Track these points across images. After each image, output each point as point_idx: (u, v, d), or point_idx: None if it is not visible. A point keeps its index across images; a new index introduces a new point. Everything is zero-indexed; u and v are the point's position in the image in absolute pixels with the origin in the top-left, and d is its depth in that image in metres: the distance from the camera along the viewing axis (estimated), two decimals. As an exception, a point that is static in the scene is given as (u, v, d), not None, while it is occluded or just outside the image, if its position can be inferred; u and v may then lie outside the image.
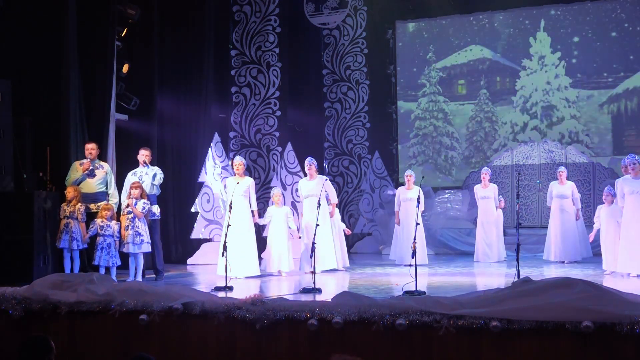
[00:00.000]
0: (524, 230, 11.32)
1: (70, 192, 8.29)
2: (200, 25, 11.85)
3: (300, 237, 9.61)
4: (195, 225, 11.49)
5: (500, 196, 11.98)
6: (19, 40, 9.03)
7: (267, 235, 9.84)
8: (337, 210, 10.18)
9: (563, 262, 10.80)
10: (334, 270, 9.76)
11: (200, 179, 11.60)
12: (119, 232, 8.42)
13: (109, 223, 8.34)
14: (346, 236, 14.92)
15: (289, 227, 9.63)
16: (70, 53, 9.17)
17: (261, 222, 9.55)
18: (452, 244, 13.18)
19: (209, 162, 11.74)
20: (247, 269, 9.13)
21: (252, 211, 9.38)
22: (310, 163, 10.00)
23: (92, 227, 8.32)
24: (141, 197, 8.57)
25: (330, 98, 15.31)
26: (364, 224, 14.49)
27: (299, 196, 10.40)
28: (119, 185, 9.14)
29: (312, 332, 5.41)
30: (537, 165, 14.10)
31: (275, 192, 9.72)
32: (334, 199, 10.02)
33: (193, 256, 11.43)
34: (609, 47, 14.57)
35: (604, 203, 9.62)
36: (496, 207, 11.63)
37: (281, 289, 8.13)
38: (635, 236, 8.60)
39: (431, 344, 5.19)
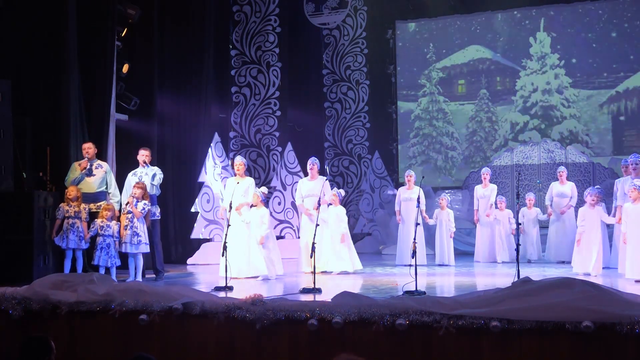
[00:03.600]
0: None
1: (72, 192, 8.28)
2: (200, 25, 11.85)
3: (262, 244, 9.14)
4: (195, 225, 11.49)
5: (493, 208, 11.52)
6: (19, 40, 9.03)
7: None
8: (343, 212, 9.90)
9: (563, 262, 10.80)
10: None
11: (200, 179, 11.59)
12: (119, 232, 8.42)
13: (109, 223, 8.34)
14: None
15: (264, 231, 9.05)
16: (70, 53, 9.17)
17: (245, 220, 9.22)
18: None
19: (209, 162, 11.74)
20: (248, 269, 9.12)
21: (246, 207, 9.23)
22: (313, 163, 9.99)
23: (93, 227, 8.32)
24: (142, 197, 8.56)
25: (330, 98, 15.31)
26: (364, 224, 14.48)
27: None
28: (119, 186, 9.13)
29: (312, 332, 5.41)
30: (537, 165, 14.10)
31: (263, 191, 9.32)
32: (329, 200, 9.96)
33: (193, 256, 11.43)
34: (609, 47, 14.58)
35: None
36: (487, 213, 11.52)
37: (281, 289, 8.13)
38: (635, 239, 8.57)
39: (431, 344, 5.19)
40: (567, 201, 11.04)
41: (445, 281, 8.99)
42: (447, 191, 14.46)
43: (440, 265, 10.93)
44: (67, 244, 8.15)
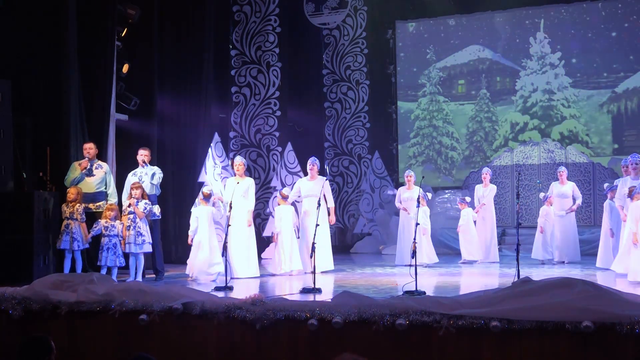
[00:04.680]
0: (524, 230, 11.29)
1: (72, 193, 8.28)
2: (200, 25, 11.84)
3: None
4: (195, 227, 11.44)
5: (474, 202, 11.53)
6: (19, 40, 9.03)
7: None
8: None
9: (563, 262, 10.80)
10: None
11: (200, 179, 11.58)
12: (122, 232, 8.42)
13: (113, 223, 8.33)
14: (345, 236, 15.04)
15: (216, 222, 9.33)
16: (70, 53, 9.17)
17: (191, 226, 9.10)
18: (452, 244, 13.16)
19: (209, 162, 11.73)
20: (248, 269, 9.13)
21: (249, 211, 9.28)
22: (313, 163, 9.99)
23: (96, 228, 8.31)
24: (142, 197, 8.57)
25: (330, 98, 15.31)
26: (364, 224, 14.48)
27: (299, 196, 10.33)
28: (119, 186, 9.13)
29: (312, 332, 5.41)
30: (537, 165, 14.10)
31: (203, 190, 9.28)
32: (331, 202, 9.98)
33: (193, 256, 11.40)
34: (609, 47, 14.58)
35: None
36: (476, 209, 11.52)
37: (281, 289, 8.13)
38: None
39: (431, 344, 5.19)
40: (568, 201, 11.03)
41: (445, 281, 8.99)
42: (447, 191, 14.46)
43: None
44: (59, 245, 8.15)
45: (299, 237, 10.03)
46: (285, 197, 9.75)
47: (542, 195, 11.46)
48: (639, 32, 14.36)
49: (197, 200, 11.43)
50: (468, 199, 11.89)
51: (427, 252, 10.74)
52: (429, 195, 11.34)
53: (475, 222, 11.66)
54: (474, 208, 11.67)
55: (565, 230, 10.96)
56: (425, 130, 16.02)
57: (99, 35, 9.89)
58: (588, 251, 11.85)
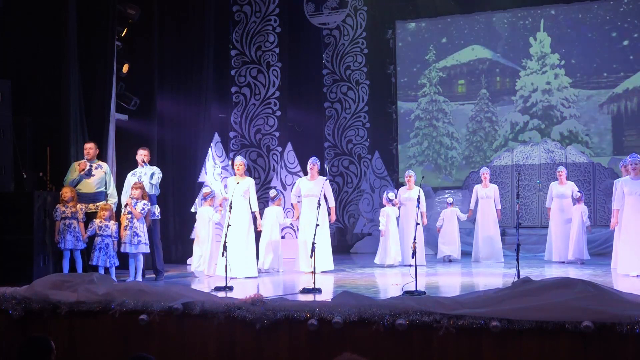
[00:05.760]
0: (524, 230, 11.31)
1: (67, 193, 8.25)
2: (200, 25, 11.84)
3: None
4: (195, 225, 11.47)
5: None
6: (19, 40, 9.03)
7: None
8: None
9: (563, 262, 10.80)
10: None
11: (200, 179, 11.59)
12: (117, 232, 8.42)
13: (107, 223, 8.33)
14: (345, 236, 15.03)
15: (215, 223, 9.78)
16: (70, 53, 9.17)
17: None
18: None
19: (209, 162, 11.74)
20: (247, 269, 9.13)
21: (253, 212, 9.40)
22: (313, 163, 10.00)
23: (91, 227, 8.31)
24: (142, 197, 8.56)
25: (330, 98, 15.30)
26: (364, 224, 14.48)
27: (298, 195, 10.34)
28: (119, 186, 9.14)
29: (312, 332, 5.41)
30: (537, 165, 14.10)
31: (205, 190, 9.79)
32: (332, 202, 10.01)
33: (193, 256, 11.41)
34: (609, 47, 14.57)
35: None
36: (497, 212, 11.61)
37: (281, 289, 8.13)
38: (636, 238, 8.58)
39: (431, 344, 5.19)
40: (567, 201, 11.02)
41: (445, 281, 9.00)
42: (447, 191, 14.45)
43: (382, 265, 10.65)
44: (64, 245, 8.14)
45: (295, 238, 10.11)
46: (272, 199, 10.20)
47: (577, 194, 10.95)
48: (639, 32, 14.35)
49: (197, 200, 11.49)
50: (450, 199, 12.14)
51: (388, 254, 10.72)
52: (391, 195, 11.22)
53: (474, 222, 11.70)
54: (468, 209, 11.88)
55: (565, 229, 10.96)
56: (425, 130, 16.01)
57: (99, 35, 9.89)
58: (588, 251, 11.86)
